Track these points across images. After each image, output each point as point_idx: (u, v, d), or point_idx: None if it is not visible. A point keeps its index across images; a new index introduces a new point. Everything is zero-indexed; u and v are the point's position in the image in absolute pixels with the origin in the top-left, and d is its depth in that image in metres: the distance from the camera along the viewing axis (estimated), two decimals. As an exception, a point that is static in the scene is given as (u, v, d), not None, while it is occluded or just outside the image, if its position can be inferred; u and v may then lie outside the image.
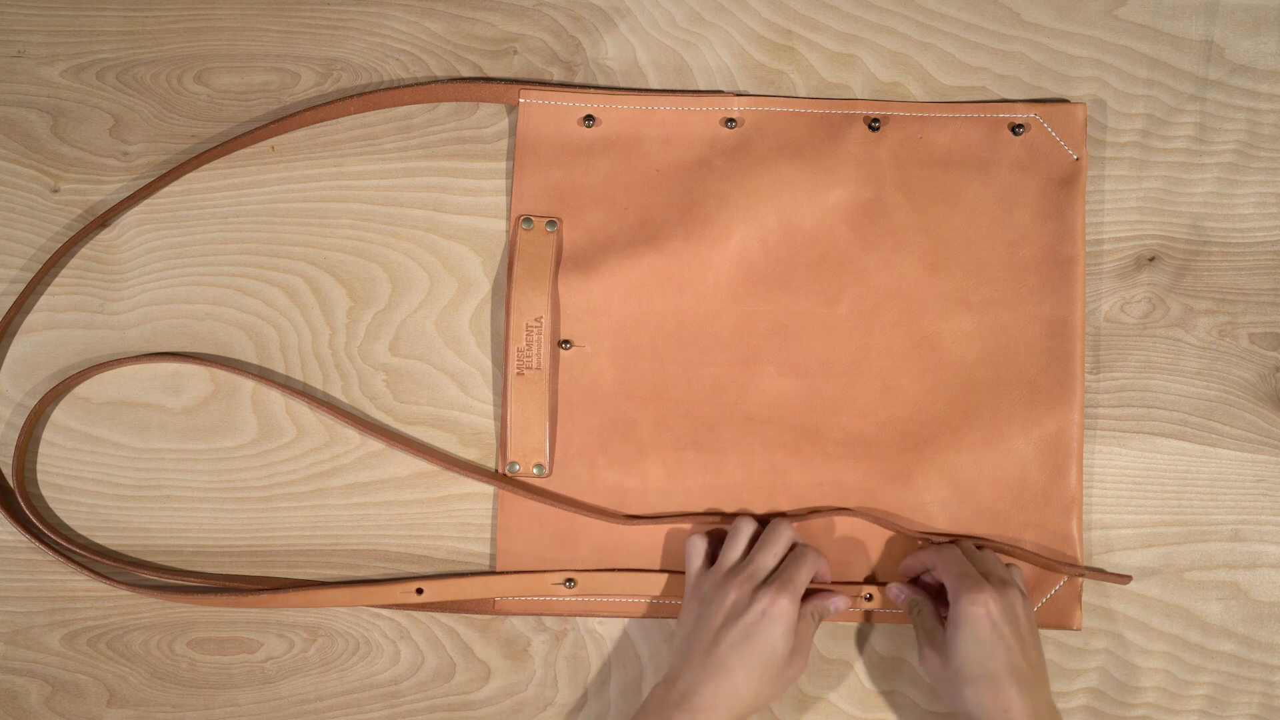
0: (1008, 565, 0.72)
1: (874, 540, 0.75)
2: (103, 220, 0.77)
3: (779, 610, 0.67)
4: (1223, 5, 0.77)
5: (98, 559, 0.75)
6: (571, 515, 0.75)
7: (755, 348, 0.76)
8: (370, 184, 0.77)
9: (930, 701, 0.75)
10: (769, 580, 0.69)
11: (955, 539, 0.73)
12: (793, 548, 0.72)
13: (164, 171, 0.77)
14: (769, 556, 0.70)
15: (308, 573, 0.76)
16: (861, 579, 0.75)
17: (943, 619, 0.70)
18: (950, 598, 0.68)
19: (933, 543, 0.73)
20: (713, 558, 0.72)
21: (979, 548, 0.73)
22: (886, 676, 0.75)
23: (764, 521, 0.73)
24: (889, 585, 0.73)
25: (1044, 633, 0.75)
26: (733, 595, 0.68)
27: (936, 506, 0.75)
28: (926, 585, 0.73)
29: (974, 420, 0.75)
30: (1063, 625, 0.74)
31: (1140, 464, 0.76)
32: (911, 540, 0.75)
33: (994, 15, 0.77)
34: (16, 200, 0.77)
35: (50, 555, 0.75)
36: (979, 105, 0.77)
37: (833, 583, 0.74)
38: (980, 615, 0.66)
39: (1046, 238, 0.76)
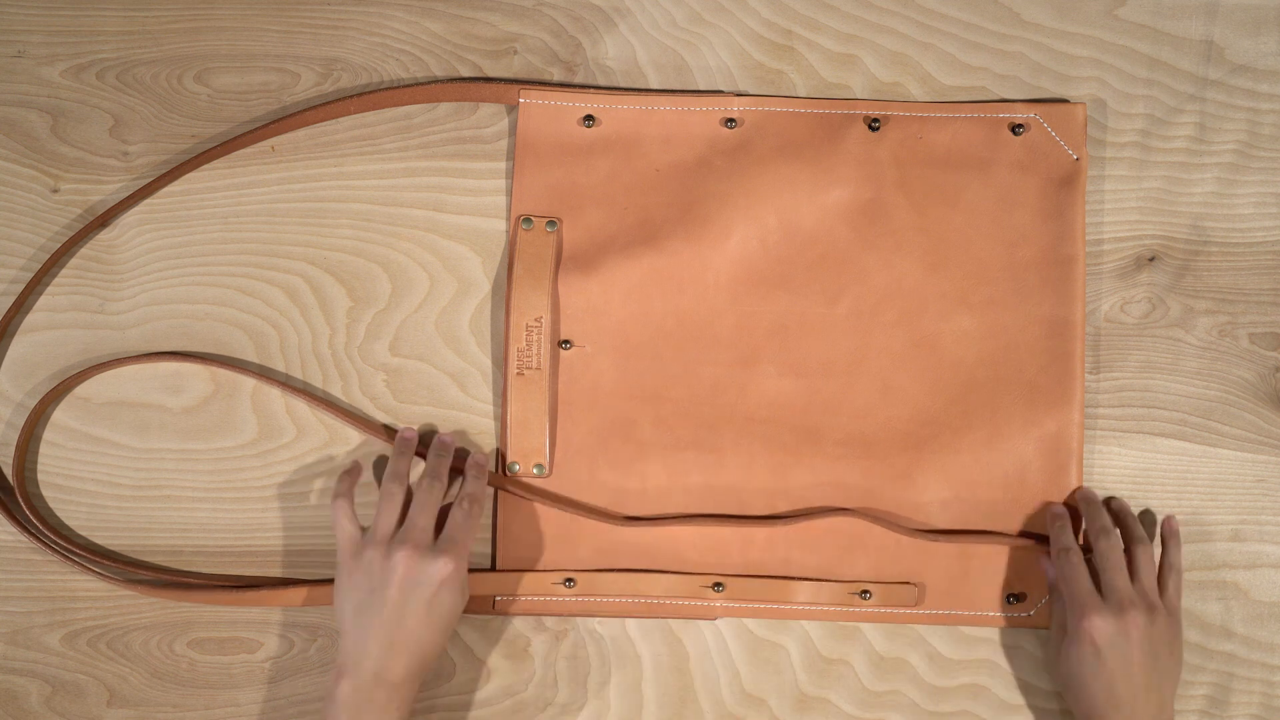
0: (1165, 568, 0.71)
1: (873, 539, 0.75)
2: (103, 220, 0.77)
3: (453, 575, 0.67)
4: (1223, 5, 0.77)
5: (98, 559, 0.75)
6: (571, 515, 0.75)
7: (755, 348, 0.76)
8: (370, 184, 0.77)
9: (931, 701, 0.75)
10: (440, 544, 0.68)
11: (1098, 532, 0.71)
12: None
13: (164, 171, 0.77)
14: (427, 518, 0.69)
15: (308, 573, 0.76)
16: (860, 577, 0.75)
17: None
18: (1068, 608, 0.69)
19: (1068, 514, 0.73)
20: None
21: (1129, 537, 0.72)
22: (886, 676, 0.75)
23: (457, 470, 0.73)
24: (1042, 559, 0.73)
25: (1046, 633, 0.75)
26: (403, 568, 0.67)
27: (936, 506, 0.75)
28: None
29: (974, 420, 0.75)
30: (1063, 625, 0.74)
31: (1140, 464, 0.76)
32: (914, 538, 0.75)
33: (994, 15, 0.77)
34: (16, 200, 0.77)
35: (50, 555, 0.75)
36: (979, 105, 0.77)
37: (826, 580, 0.74)
38: (1084, 640, 0.67)
39: (1046, 238, 0.76)
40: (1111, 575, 0.69)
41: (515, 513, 0.75)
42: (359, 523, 0.71)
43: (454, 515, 0.70)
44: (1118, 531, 0.71)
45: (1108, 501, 0.75)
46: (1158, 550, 0.73)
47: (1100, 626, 0.67)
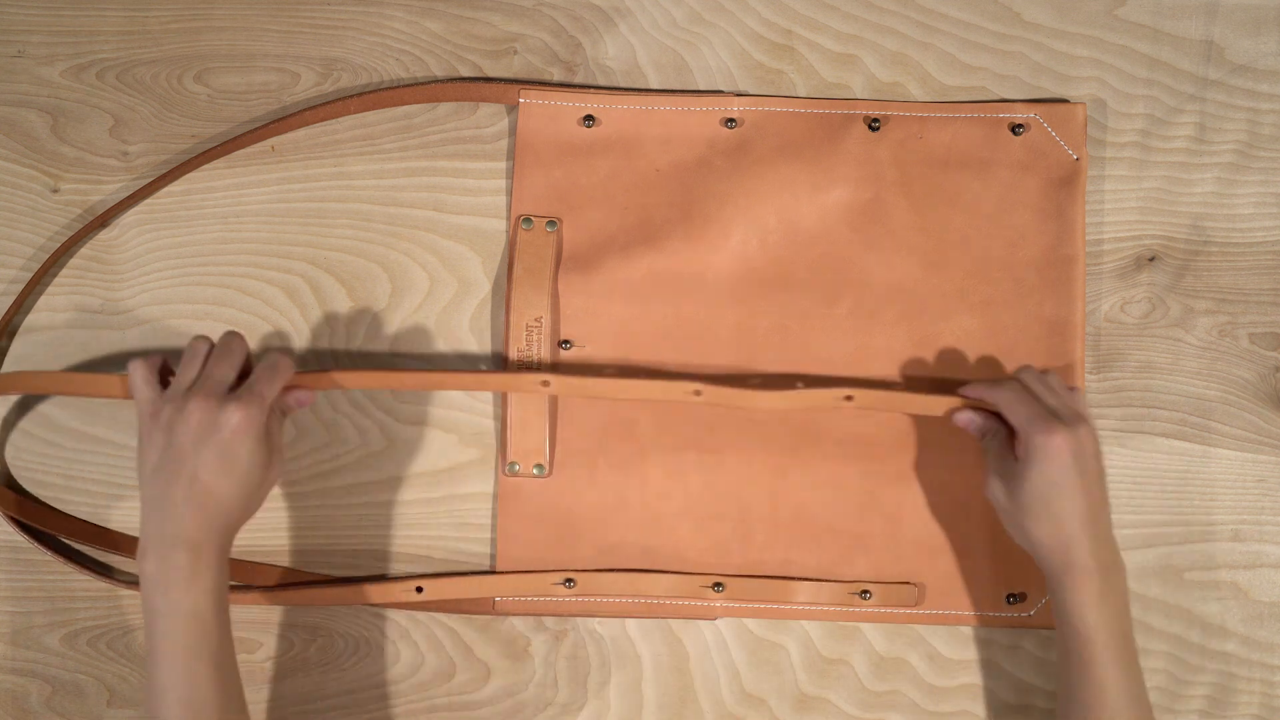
0: (1071, 389, 0.70)
1: (872, 538, 0.75)
2: (103, 220, 0.77)
3: (248, 422, 0.64)
4: (1223, 5, 0.77)
5: (97, 559, 0.75)
6: (571, 515, 0.75)
7: (755, 348, 0.76)
8: (370, 184, 0.77)
9: (931, 701, 0.75)
10: (235, 392, 0.65)
11: (1015, 375, 0.71)
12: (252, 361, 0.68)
13: (164, 171, 0.77)
14: (224, 368, 0.66)
15: (308, 573, 0.76)
16: (860, 577, 0.75)
17: (1013, 450, 0.68)
18: (1021, 435, 0.67)
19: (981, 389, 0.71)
20: (164, 386, 0.67)
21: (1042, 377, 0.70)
22: (886, 676, 0.75)
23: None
24: (958, 414, 0.71)
25: (1046, 633, 0.75)
26: (197, 415, 0.63)
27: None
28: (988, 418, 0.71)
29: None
30: (1063, 625, 0.74)
31: (1140, 464, 0.76)
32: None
33: (994, 15, 0.77)
34: (16, 200, 0.77)
35: (50, 555, 0.75)
36: (979, 105, 0.77)
37: (826, 580, 0.74)
38: (1051, 456, 0.65)
39: (1046, 237, 0.76)
40: (1053, 396, 0.68)
41: (515, 513, 0.75)
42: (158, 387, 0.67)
43: (257, 368, 0.67)
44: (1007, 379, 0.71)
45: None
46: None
47: (1067, 440, 0.65)
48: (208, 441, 0.63)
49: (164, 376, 0.68)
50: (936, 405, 0.71)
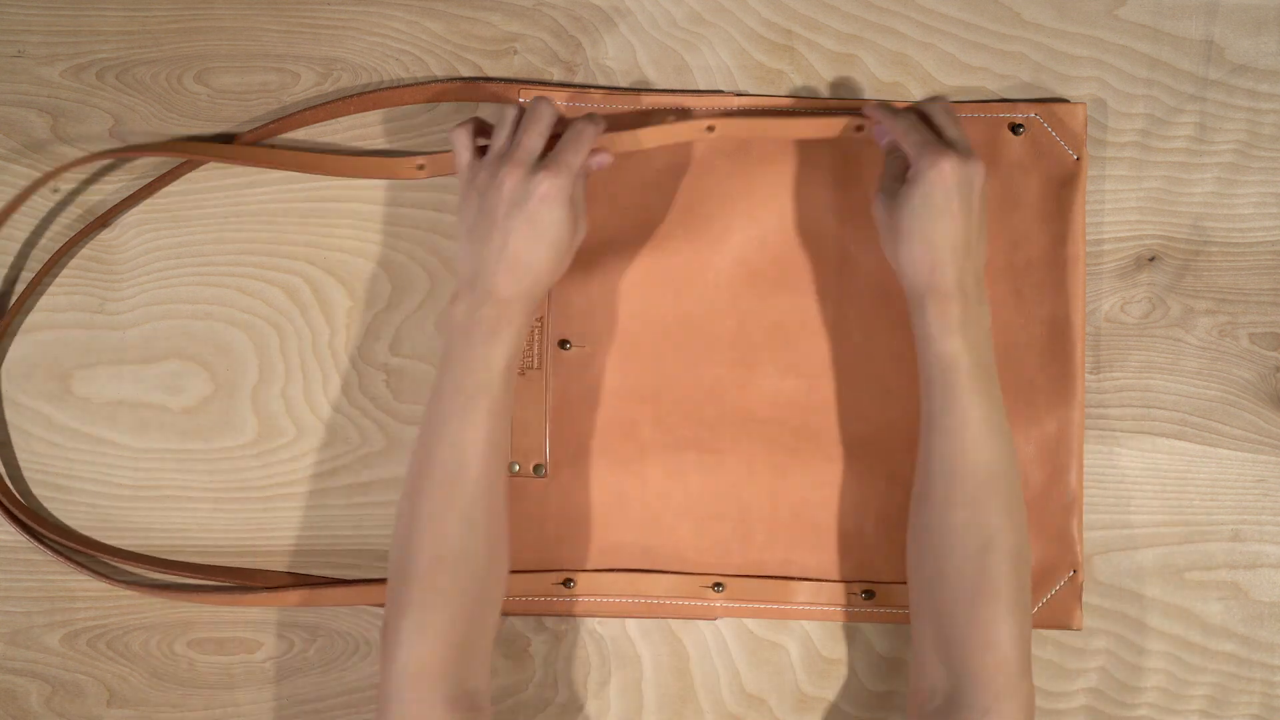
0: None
1: (872, 538, 0.75)
2: (103, 220, 0.77)
3: (556, 190, 0.67)
4: (1223, 5, 0.77)
5: (98, 559, 0.75)
6: (571, 515, 0.75)
7: (755, 347, 0.76)
8: (370, 184, 0.77)
9: (930, 701, 0.75)
10: (543, 161, 0.68)
11: (921, 105, 0.71)
12: (564, 125, 0.71)
13: (164, 171, 0.77)
14: (534, 137, 0.68)
15: (308, 573, 0.76)
16: (861, 577, 0.75)
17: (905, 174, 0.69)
18: (912, 158, 0.68)
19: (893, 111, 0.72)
20: (481, 151, 0.71)
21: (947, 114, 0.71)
22: (886, 676, 0.75)
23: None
24: (874, 126, 0.73)
25: (1044, 633, 0.75)
26: (509, 183, 0.67)
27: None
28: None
29: (974, 420, 0.75)
30: (1063, 625, 0.74)
31: (1140, 464, 0.76)
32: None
33: (994, 15, 0.77)
34: (16, 200, 0.77)
35: (50, 555, 0.75)
36: (979, 105, 0.77)
37: (826, 580, 0.74)
38: (935, 180, 0.66)
39: (1046, 238, 0.76)
40: (952, 129, 0.69)
41: (515, 513, 0.75)
42: (476, 149, 0.70)
43: (564, 136, 0.69)
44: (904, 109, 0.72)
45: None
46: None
47: (952, 168, 0.66)
48: (518, 210, 0.66)
49: (483, 134, 0.72)
50: (836, 125, 0.74)
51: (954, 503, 0.66)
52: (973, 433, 0.66)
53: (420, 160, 0.76)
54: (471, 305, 0.67)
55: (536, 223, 0.66)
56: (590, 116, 0.70)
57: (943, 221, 0.66)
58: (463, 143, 0.70)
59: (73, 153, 0.77)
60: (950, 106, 0.71)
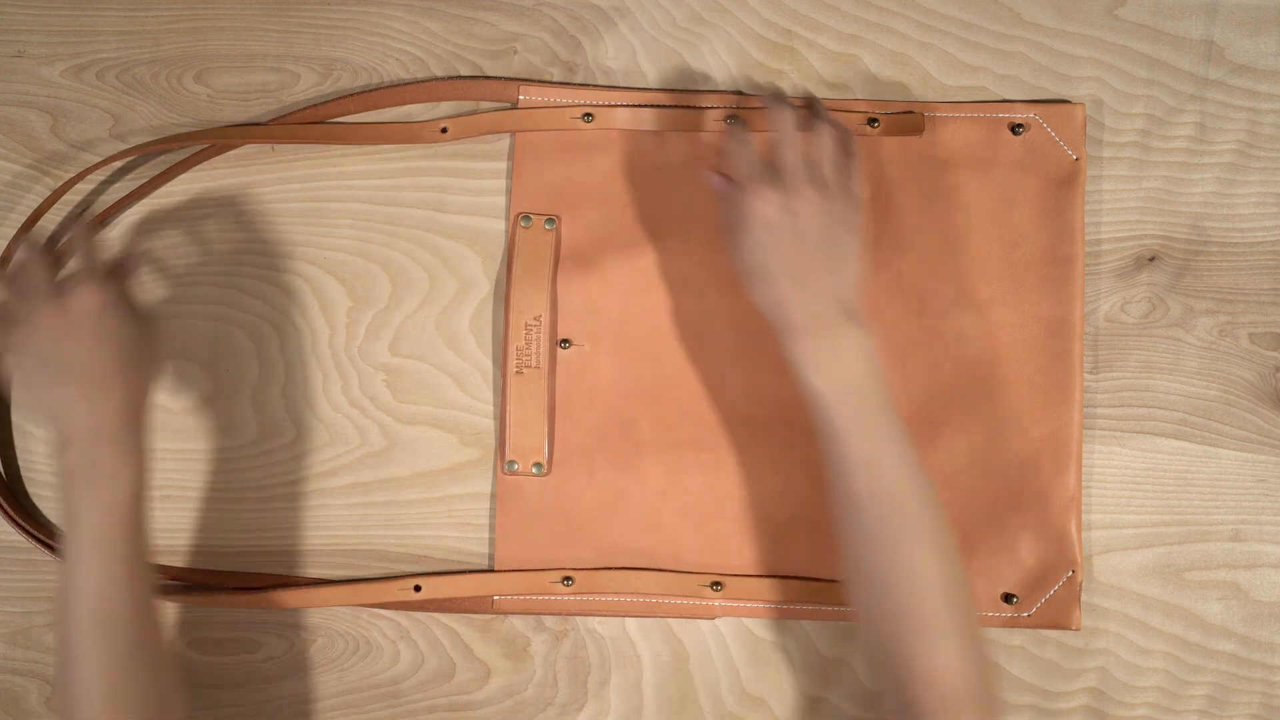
0: (847, 155, 0.68)
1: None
2: (103, 220, 0.77)
3: (99, 300, 0.64)
4: (1223, 5, 0.77)
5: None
6: (570, 514, 0.75)
7: (754, 347, 0.76)
8: (370, 184, 0.77)
9: (930, 701, 0.75)
10: (60, 286, 0.65)
11: (771, 113, 0.68)
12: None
13: (163, 171, 0.77)
14: (36, 271, 0.66)
15: (308, 573, 0.76)
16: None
17: None
18: (743, 194, 0.67)
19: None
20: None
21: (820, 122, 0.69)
22: (886, 676, 0.75)
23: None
24: (706, 174, 0.70)
25: (1044, 633, 0.75)
26: (42, 320, 0.64)
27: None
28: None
29: (973, 420, 0.75)
30: (1062, 625, 0.74)
31: (1140, 464, 0.76)
32: None
33: (994, 15, 0.77)
34: (17, 200, 0.77)
35: (50, 555, 0.75)
36: (979, 105, 0.77)
37: (824, 580, 0.74)
38: (756, 215, 0.65)
39: (1046, 237, 0.76)
40: (781, 151, 0.67)
41: (513, 512, 0.75)
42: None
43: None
44: (796, 108, 0.69)
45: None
46: None
47: (768, 200, 0.65)
48: (63, 336, 0.63)
49: None
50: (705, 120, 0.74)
51: (872, 541, 0.63)
52: (861, 469, 0.63)
53: (444, 123, 0.76)
54: (84, 448, 0.62)
55: (104, 337, 0.64)
56: (78, 225, 0.68)
57: (776, 254, 0.65)
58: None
59: (73, 152, 0.77)
60: (808, 117, 0.69)
